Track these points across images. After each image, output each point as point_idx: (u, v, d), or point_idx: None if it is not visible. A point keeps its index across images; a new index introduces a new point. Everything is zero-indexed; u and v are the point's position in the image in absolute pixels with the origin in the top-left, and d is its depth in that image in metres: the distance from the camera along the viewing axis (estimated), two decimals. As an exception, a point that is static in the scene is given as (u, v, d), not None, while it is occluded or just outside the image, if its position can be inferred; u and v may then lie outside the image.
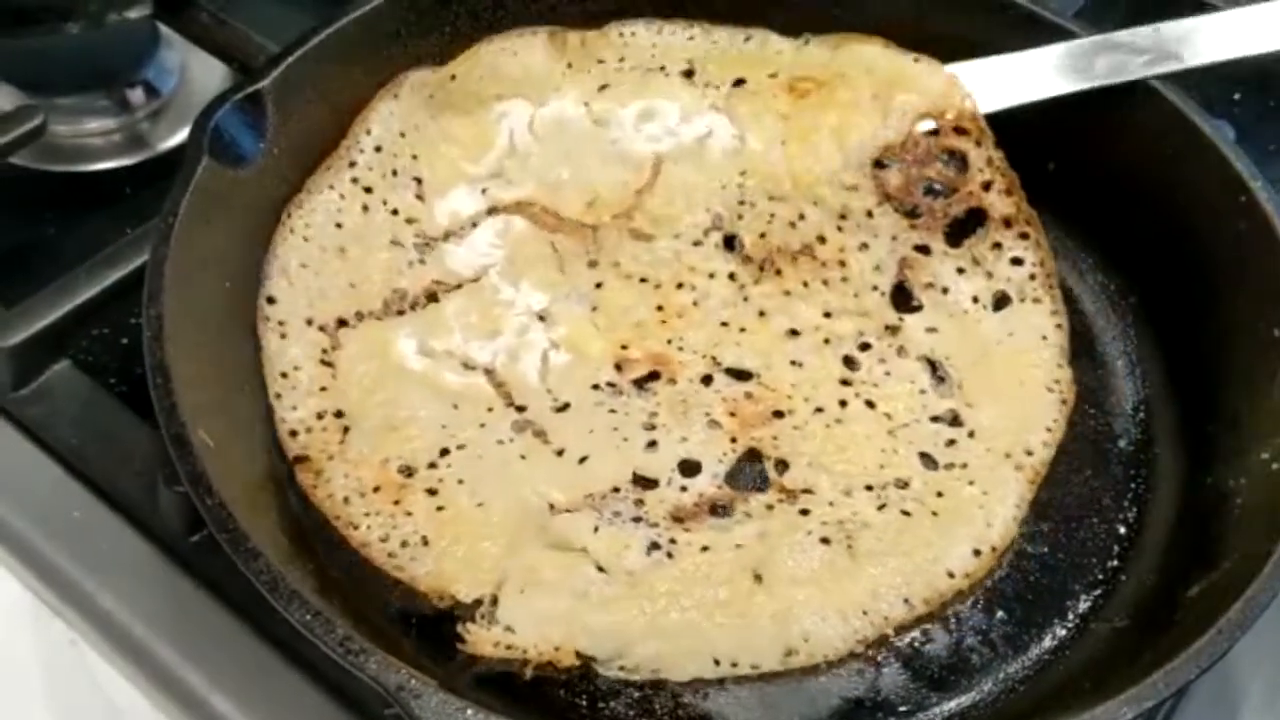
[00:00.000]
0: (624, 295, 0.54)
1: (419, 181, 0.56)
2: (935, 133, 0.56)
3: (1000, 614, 0.47)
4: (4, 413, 0.54)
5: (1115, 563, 0.49)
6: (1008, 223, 0.55)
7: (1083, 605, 0.48)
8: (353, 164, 0.55)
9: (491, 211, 0.56)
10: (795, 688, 0.45)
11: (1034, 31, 0.58)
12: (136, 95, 0.69)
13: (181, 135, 0.69)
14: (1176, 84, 0.56)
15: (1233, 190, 0.52)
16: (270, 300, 0.52)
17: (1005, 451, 0.50)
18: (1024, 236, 0.55)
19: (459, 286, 0.54)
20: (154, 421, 0.50)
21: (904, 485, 0.49)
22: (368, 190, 0.55)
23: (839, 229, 0.55)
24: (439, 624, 0.46)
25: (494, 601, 0.45)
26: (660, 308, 0.54)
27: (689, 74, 0.59)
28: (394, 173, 0.56)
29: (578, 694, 0.45)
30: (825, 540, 0.47)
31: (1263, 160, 0.53)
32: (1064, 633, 0.47)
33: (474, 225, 0.55)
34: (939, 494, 0.49)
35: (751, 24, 0.60)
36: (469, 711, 0.37)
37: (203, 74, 0.71)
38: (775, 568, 0.46)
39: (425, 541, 0.47)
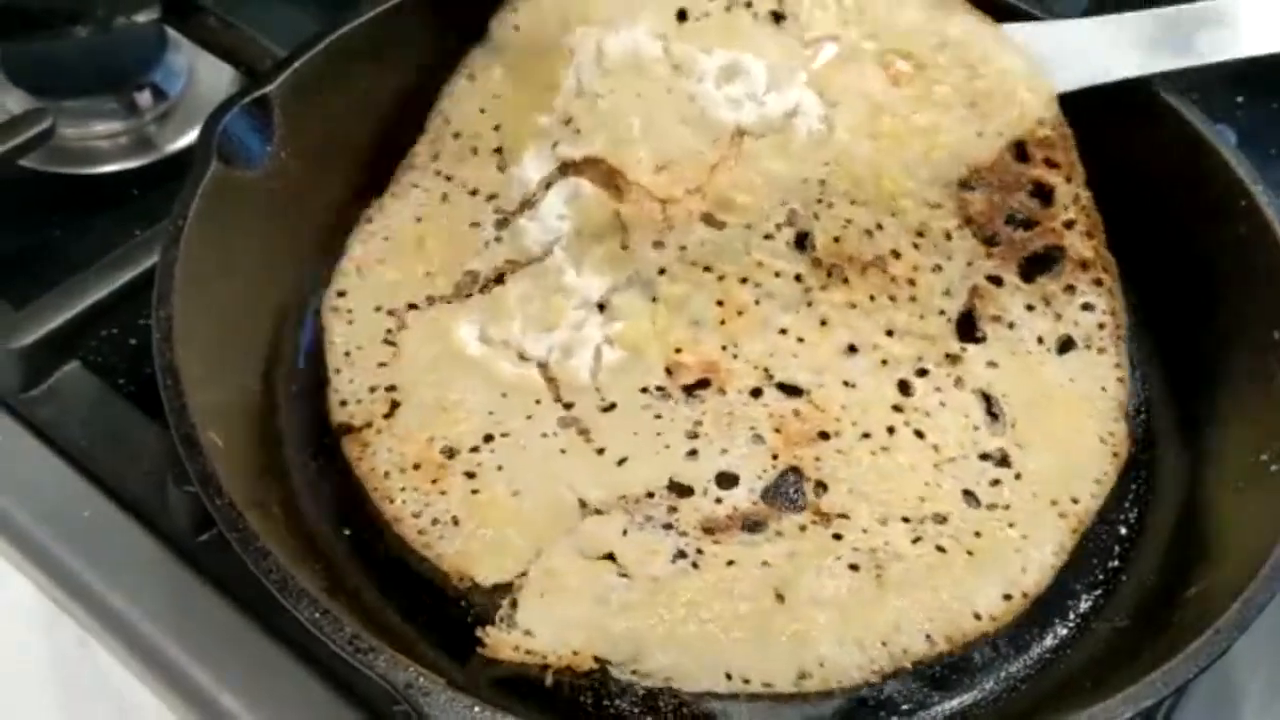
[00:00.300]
0: (686, 285, 0.53)
1: (499, 153, 0.56)
2: (1025, 159, 0.55)
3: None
4: (14, 413, 0.54)
5: (1116, 563, 0.49)
6: (1084, 265, 0.54)
7: (1084, 605, 0.48)
8: (435, 156, 0.56)
9: (561, 172, 0.54)
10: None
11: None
12: (144, 98, 0.70)
13: (188, 138, 0.69)
14: (1178, 87, 0.56)
15: (1234, 194, 0.52)
16: (341, 294, 0.53)
17: (1051, 498, 0.49)
18: (1098, 283, 0.54)
19: (526, 265, 0.54)
20: (163, 421, 0.51)
21: (942, 520, 0.48)
22: (448, 178, 0.56)
23: (915, 246, 0.54)
24: (453, 626, 0.46)
25: (514, 605, 0.45)
26: (720, 303, 0.53)
27: (778, 17, 0.56)
28: (474, 151, 0.56)
29: (583, 691, 0.45)
30: (854, 567, 0.47)
31: (1264, 164, 0.53)
32: (1065, 632, 0.47)
33: (544, 191, 0.54)
34: (977, 533, 0.48)
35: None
36: (477, 709, 0.37)
37: (210, 77, 0.72)
38: (799, 589, 0.46)
39: (456, 522, 0.47)
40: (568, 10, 0.56)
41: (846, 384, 0.52)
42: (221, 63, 0.70)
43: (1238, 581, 0.41)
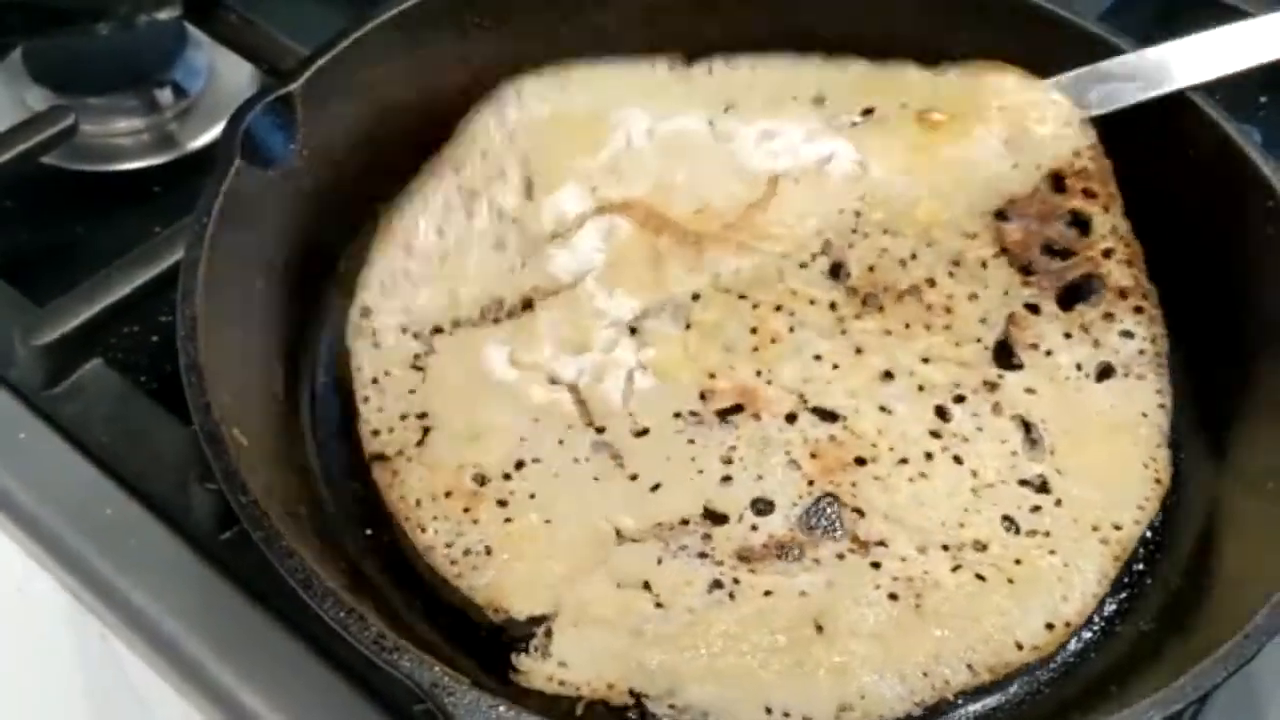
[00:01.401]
0: (720, 311, 0.53)
1: (529, 181, 0.56)
2: (1062, 190, 0.55)
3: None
4: (37, 410, 0.54)
5: (1141, 566, 0.49)
6: (1123, 294, 0.54)
7: (1109, 608, 0.48)
8: (457, 169, 0.56)
9: (599, 211, 0.55)
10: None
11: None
12: (165, 95, 0.70)
13: (209, 135, 0.70)
14: (1202, 88, 0.56)
15: (1260, 194, 0.52)
16: (365, 312, 0.52)
17: (1093, 524, 0.48)
18: (1138, 310, 0.53)
19: (556, 293, 0.54)
20: (185, 419, 0.51)
21: (982, 548, 0.48)
22: (473, 194, 0.56)
23: (950, 275, 0.54)
24: (485, 647, 0.46)
25: (548, 634, 0.45)
26: (754, 330, 0.53)
27: (819, 100, 0.58)
28: (501, 173, 0.56)
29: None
30: (893, 596, 0.46)
31: (1290, 166, 0.53)
32: (1090, 635, 0.47)
33: (579, 226, 0.55)
34: (1017, 561, 0.47)
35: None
36: (501, 708, 0.37)
37: (230, 74, 0.72)
38: (838, 619, 0.45)
39: (489, 551, 0.47)
40: (623, 89, 0.58)
41: (883, 409, 0.51)
42: (241, 60, 0.71)
43: (1267, 585, 0.41)
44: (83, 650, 0.55)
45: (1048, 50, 0.58)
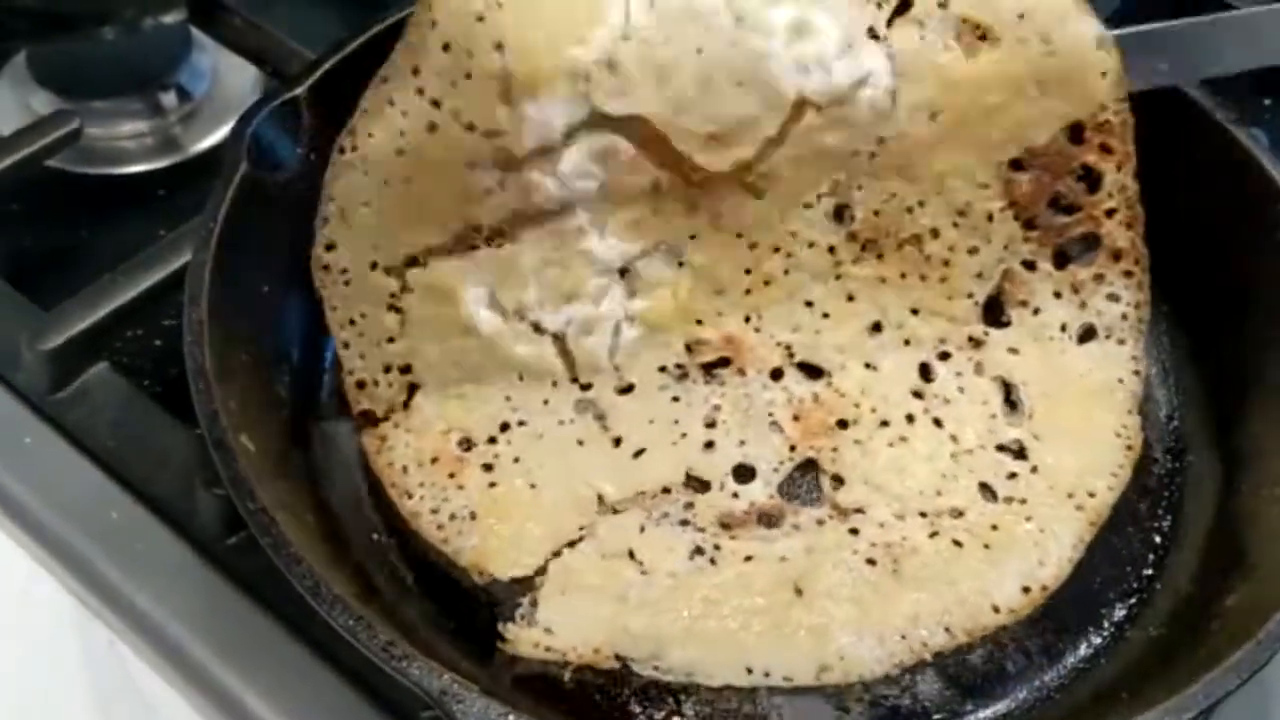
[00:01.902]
0: (715, 252, 0.51)
1: (504, 81, 0.46)
2: (1079, 142, 0.53)
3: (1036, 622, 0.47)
4: (43, 415, 0.54)
5: (1150, 571, 0.49)
6: (1117, 256, 0.53)
7: (1118, 614, 0.48)
8: (416, 71, 0.47)
9: (593, 127, 0.47)
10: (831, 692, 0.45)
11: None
12: (169, 98, 0.70)
13: (213, 138, 0.70)
14: (1209, 91, 0.56)
15: (1267, 198, 0.52)
16: (329, 247, 0.48)
17: (1068, 491, 0.49)
18: (1128, 274, 0.53)
19: (540, 223, 0.49)
20: (190, 423, 0.51)
21: (959, 515, 0.48)
22: (435, 104, 0.47)
23: (955, 225, 0.52)
24: (477, 628, 0.46)
25: (534, 603, 0.46)
26: (748, 271, 0.51)
27: None
28: (468, 76, 0.46)
29: (604, 690, 0.45)
30: (871, 561, 0.47)
31: (1297, 168, 0.53)
32: (1099, 641, 0.47)
33: (569, 142, 0.47)
34: (994, 527, 0.48)
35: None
36: (511, 717, 0.37)
37: (233, 77, 0.72)
38: (816, 583, 0.46)
39: (473, 516, 0.48)
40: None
41: (868, 365, 0.51)
42: (245, 63, 0.71)
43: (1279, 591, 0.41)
44: (89, 654, 0.55)
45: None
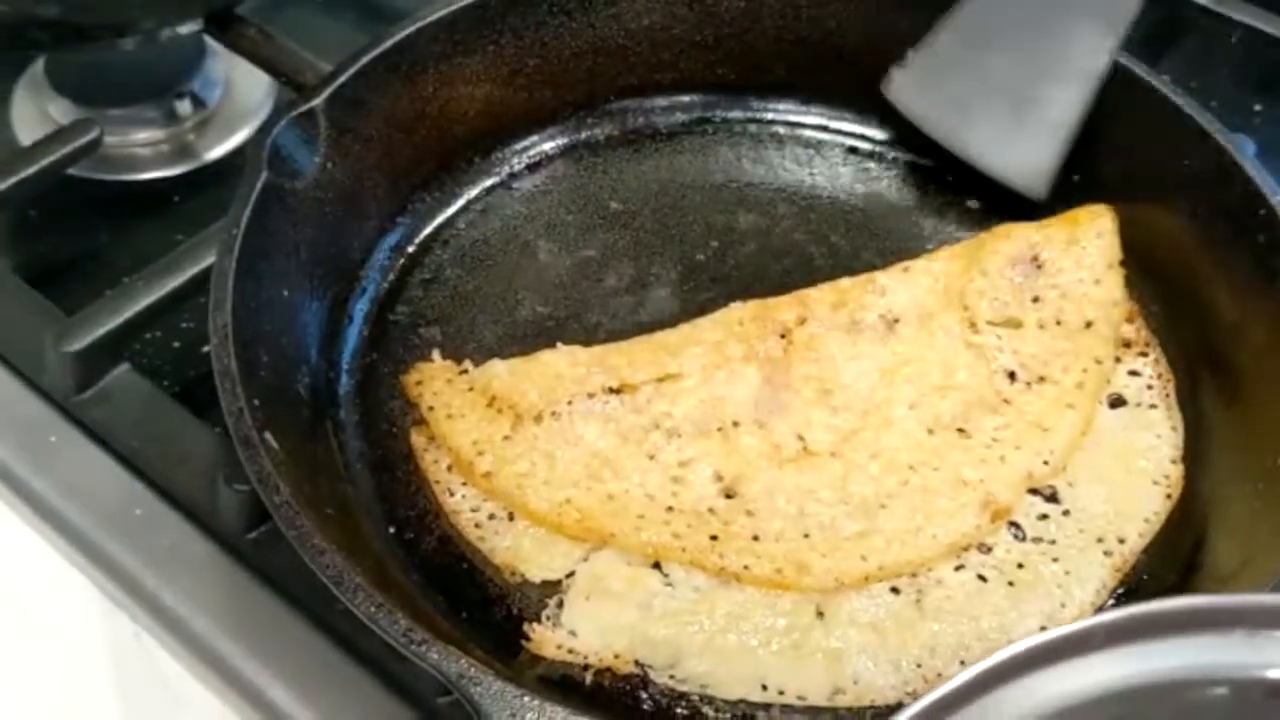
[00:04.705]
0: None
1: None
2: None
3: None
4: (68, 415, 0.55)
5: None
6: (1127, 344, 0.56)
7: (1108, 604, 0.49)
8: None
9: None
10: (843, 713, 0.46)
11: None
12: (184, 106, 0.71)
13: (227, 145, 0.71)
14: (1196, 98, 0.57)
15: (1252, 204, 0.53)
16: None
17: (1098, 536, 0.50)
18: (1143, 354, 0.56)
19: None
20: (211, 422, 0.53)
21: (987, 550, 0.49)
22: None
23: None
24: (498, 626, 0.48)
25: (560, 605, 0.47)
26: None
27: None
28: None
29: (624, 692, 0.46)
30: (895, 590, 0.48)
31: (1283, 173, 0.54)
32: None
33: None
34: (1020, 565, 0.49)
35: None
36: (526, 698, 0.39)
37: (246, 86, 0.73)
38: (839, 608, 0.47)
39: (511, 518, 0.49)
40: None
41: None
42: (258, 72, 0.72)
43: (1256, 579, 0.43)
44: (115, 645, 0.57)
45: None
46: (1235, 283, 0.54)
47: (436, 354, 0.56)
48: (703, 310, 0.58)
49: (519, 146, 0.64)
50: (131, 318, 0.57)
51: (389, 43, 0.57)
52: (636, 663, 0.46)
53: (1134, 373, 0.55)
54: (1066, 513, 0.50)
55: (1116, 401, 0.54)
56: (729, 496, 0.50)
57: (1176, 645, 0.28)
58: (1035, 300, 0.56)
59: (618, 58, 0.64)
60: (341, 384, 0.55)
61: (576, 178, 0.64)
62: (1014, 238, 0.58)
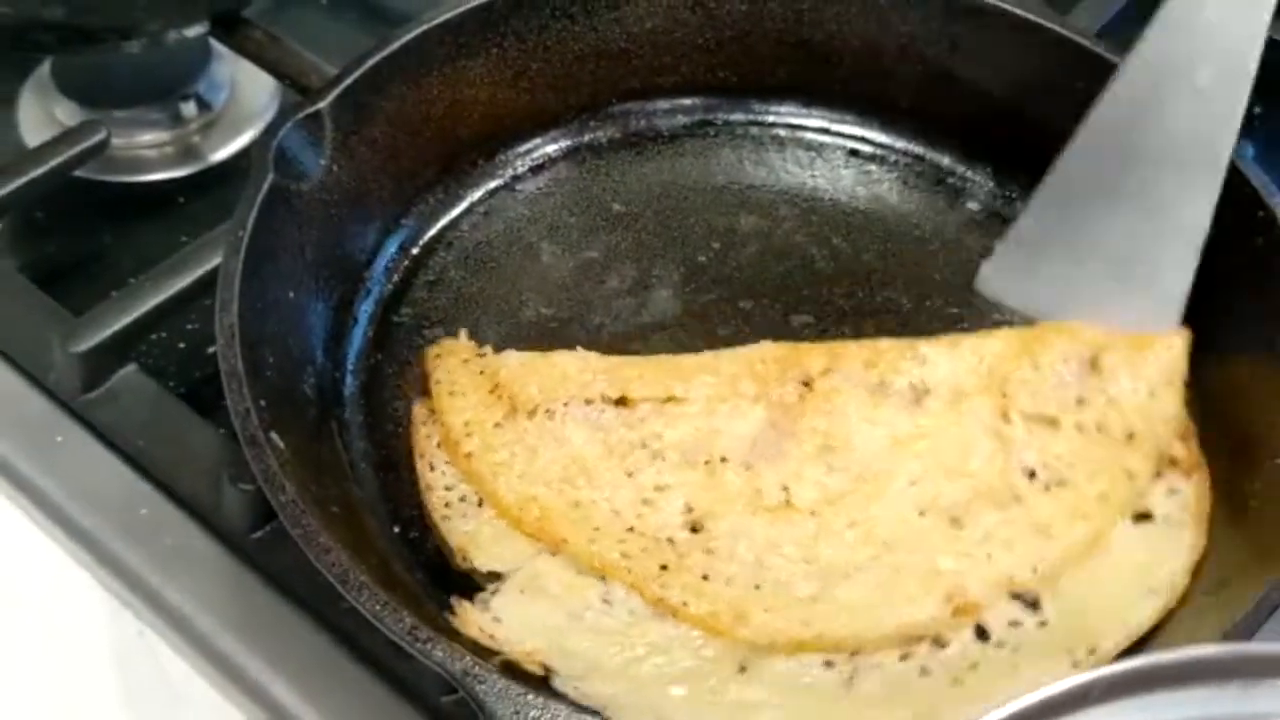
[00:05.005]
0: None
1: None
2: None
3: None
4: (74, 415, 0.56)
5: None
6: (1173, 461, 0.52)
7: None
8: None
9: None
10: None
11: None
12: (188, 108, 0.72)
13: (231, 147, 0.72)
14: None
15: (1250, 205, 0.54)
16: None
17: (1069, 647, 0.46)
18: (1187, 475, 0.51)
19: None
20: (216, 422, 0.53)
21: (942, 646, 0.46)
22: None
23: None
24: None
25: (495, 592, 0.47)
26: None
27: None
28: None
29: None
30: (829, 664, 0.46)
31: (1281, 177, 0.55)
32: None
33: None
34: (973, 666, 0.46)
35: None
36: (531, 696, 0.39)
37: (251, 87, 0.74)
38: (763, 668, 0.45)
39: (480, 504, 0.50)
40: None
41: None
42: (262, 74, 0.72)
43: (1255, 579, 0.43)
44: (119, 644, 0.57)
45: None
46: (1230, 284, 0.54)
47: (464, 333, 0.56)
48: (706, 311, 0.59)
49: (522, 149, 0.65)
50: (139, 318, 0.57)
51: (395, 45, 0.57)
52: (544, 665, 0.45)
53: (1173, 490, 0.51)
54: (1044, 624, 0.47)
55: (1142, 517, 0.50)
56: (694, 530, 0.49)
57: (1174, 698, 0.28)
58: (1080, 401, 0.52)
59: (620, 61, 0.65)
60: (346, 385, 0.55)
61: (579, 180, 0.65)
62: (1077, 335, 0.54)
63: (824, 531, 0.48)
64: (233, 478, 0.51)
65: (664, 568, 0.47)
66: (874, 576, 0.47)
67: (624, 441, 0.51)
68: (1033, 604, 0.47)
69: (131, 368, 0.57)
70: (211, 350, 0.57)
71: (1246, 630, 0.42)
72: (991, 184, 0.65)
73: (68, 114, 0.70)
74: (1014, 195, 0.64)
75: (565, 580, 0.48)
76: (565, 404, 0.52)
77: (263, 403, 0.46)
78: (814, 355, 0.54)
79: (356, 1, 0.83)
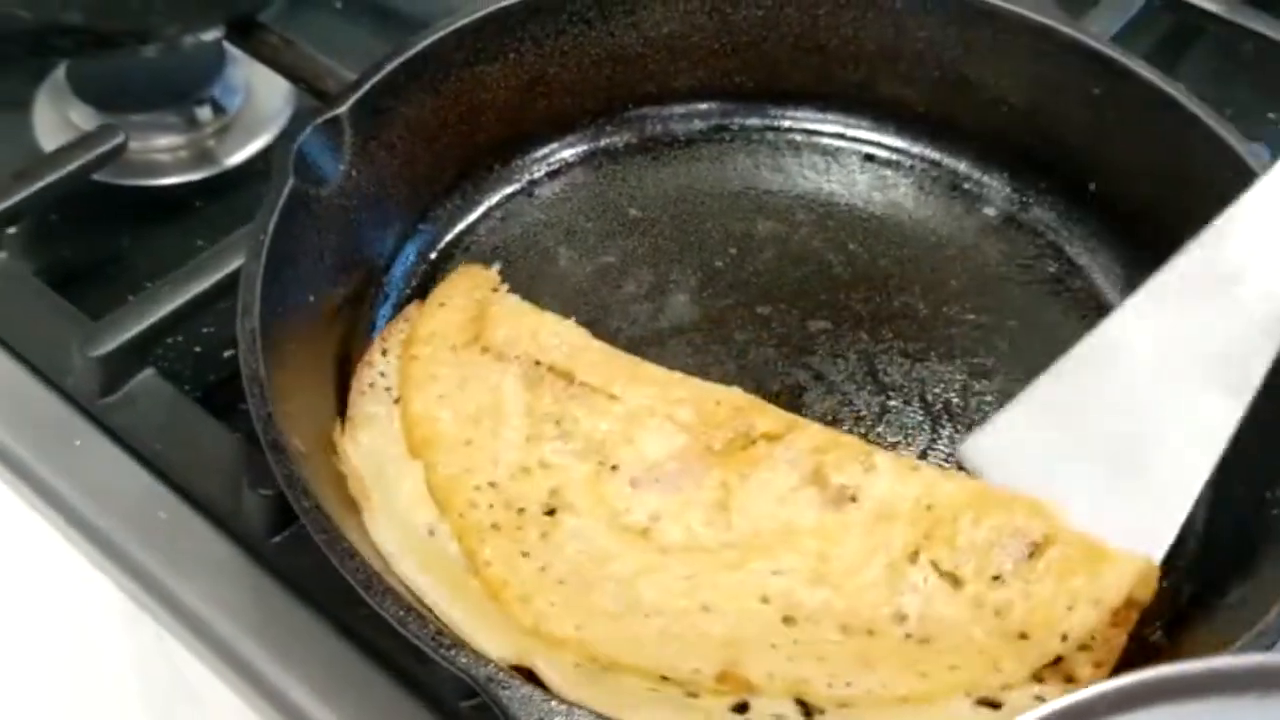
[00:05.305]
0: None
1: None
2: None
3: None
4: (92, 419, 0.56)
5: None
6: (1069, 678, 0.46)
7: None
8: None
9: None
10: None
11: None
12: (204, 112, 0.72)
13: (247, 151, 0.72)
14: (1212, 106, 0.58)
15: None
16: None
17: None
18: (1072, 688, 0.45)
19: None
20: (234, 426, 0.53)
21: (693, 695, 0.43)
22: None
23: None
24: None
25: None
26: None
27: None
28: None
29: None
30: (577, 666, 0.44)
31: (1297, 182, 0.55)
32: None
33: None
34: None
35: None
36: (554, 703, 0.39)
37: (266, 92, 0.74)
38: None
39: (396, 401, 0.52)
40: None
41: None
42: (277, 78, 0.73)
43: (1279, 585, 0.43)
44: (138, 648, 0.57)
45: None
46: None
47: (496, 267, 0.58)
48: (723, 316, 0.59)
49: (539, 154, 0.65)
50: (156, 322, 0.57)
51: (413, 50, 0.57)
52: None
53: (1040, 699, 0.45)
54: None
55: (988, 704, 0.45)
56: (547, 514, 0.49)
57: (1185, 711, 0.27)
58: (995, 579, 0.47)
59: (636, 66, 0.65)
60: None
61: (596, 185, 0.65)
62: (1039, 517, 0.49)
63: (657, 570, 0.47)
64: (252, 482, 0.51)
65: (495, 527, 0.48)
66: (671, 622, 0.45)
67: (544, 412, 0.52)
68: (809, 714, 0.44)
69: (149, 371, 0.57)
70: (227, 354, 0.58)
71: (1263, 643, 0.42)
72: (1008, 189, 0.65)
73: (83, 118, 0.71)
74: (1030, 200, 0.64)
75: (414, 495, 0.49)
76: (517, 356, 0.53)
77: (284, 407, 0.46)
78: (771, 419, 0.51)
79: (370, 6, 0.83)
